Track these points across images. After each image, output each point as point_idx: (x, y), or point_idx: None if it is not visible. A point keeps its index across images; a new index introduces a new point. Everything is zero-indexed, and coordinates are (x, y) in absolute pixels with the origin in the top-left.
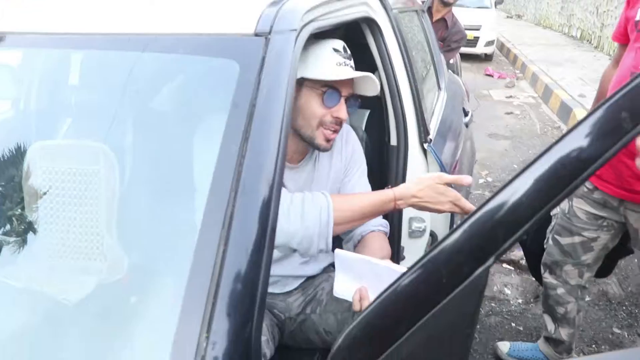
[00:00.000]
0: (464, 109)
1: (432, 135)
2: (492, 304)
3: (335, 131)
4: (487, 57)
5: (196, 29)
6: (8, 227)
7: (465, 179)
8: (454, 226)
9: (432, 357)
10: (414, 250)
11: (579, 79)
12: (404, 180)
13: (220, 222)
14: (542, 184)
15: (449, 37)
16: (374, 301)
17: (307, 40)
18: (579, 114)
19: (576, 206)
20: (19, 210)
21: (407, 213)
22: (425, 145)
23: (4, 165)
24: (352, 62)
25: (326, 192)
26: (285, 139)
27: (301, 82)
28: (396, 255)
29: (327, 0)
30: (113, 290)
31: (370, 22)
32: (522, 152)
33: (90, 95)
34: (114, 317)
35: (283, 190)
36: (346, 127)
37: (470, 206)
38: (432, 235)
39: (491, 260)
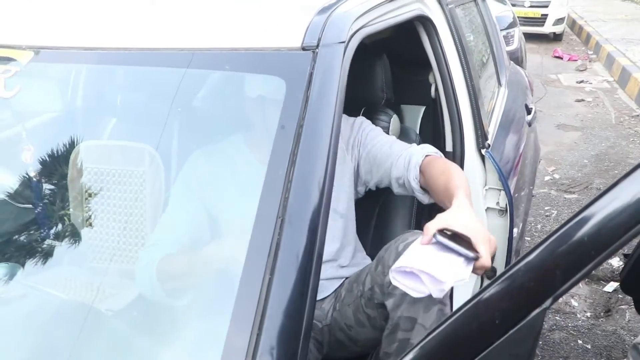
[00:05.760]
0: (526, 106)
1: (490, 140)
2: (557, 317)
3: None
4: (556, 37)
5: (239, 43)
6: (53, 228)
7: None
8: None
9: None
10: None
11: None
12: None
13: (266, 252)
14: (607, 221)
15: None
16: (426, 337)
17: None
18: None
19: None
20: (64, 211)
21: None
22: (483, 151)
23: (49, 165)
24: None
25: None
26: (334, 160)
27: None
28: None
29: (379, 2)
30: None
31: (424, 20)
32: (594, 145)
33: (155, 108)
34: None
35: None
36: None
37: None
38: None
39: (548, 302)
